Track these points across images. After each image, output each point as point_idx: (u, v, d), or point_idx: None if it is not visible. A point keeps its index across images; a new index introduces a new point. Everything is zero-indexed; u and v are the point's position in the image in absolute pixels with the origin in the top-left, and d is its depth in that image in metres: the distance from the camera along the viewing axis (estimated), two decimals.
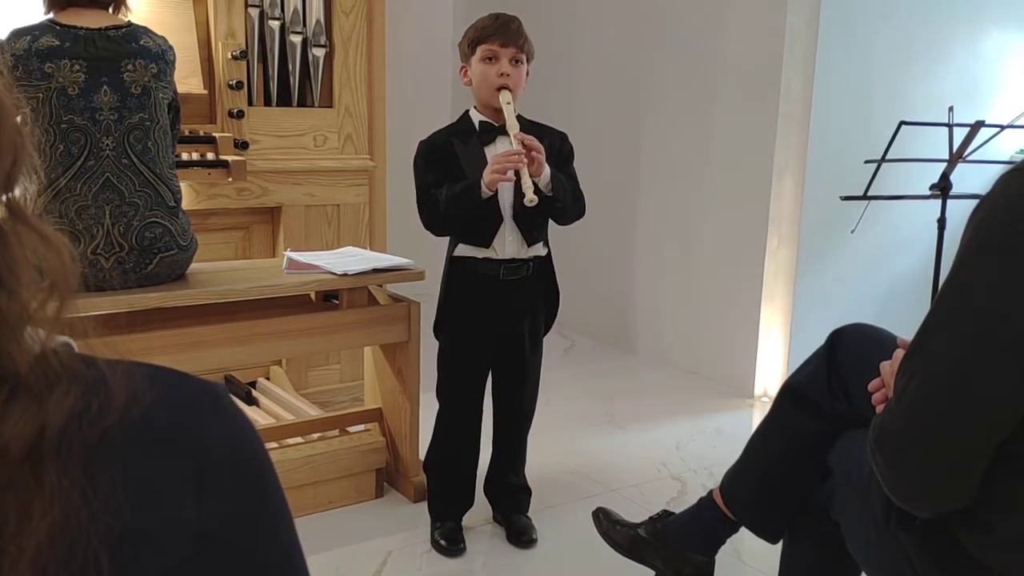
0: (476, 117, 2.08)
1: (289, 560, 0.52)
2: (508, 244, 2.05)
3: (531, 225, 2.05)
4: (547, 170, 1.98)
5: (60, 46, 1.94)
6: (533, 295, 2.13)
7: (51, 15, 2.01)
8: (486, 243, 2.04)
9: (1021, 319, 0.94)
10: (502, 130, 2.01)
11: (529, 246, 2.07)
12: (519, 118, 2.02)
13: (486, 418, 2.22)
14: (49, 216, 1.93)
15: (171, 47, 2.13)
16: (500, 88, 1.99)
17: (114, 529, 0.43)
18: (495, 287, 2.06)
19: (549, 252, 2.15)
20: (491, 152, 2.03)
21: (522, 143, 1.93)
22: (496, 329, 2.11)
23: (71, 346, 0.50)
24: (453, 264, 2.10)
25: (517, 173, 1.91)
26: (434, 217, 2.03)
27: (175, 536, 0.46)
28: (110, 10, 2.05)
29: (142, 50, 2.03)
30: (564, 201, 2.02)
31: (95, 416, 0.45)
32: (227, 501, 0.48)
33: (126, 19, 2.08)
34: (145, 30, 2.08)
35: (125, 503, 0.44)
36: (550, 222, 2.12)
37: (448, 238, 2.12)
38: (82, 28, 1.97)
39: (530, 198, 1.87)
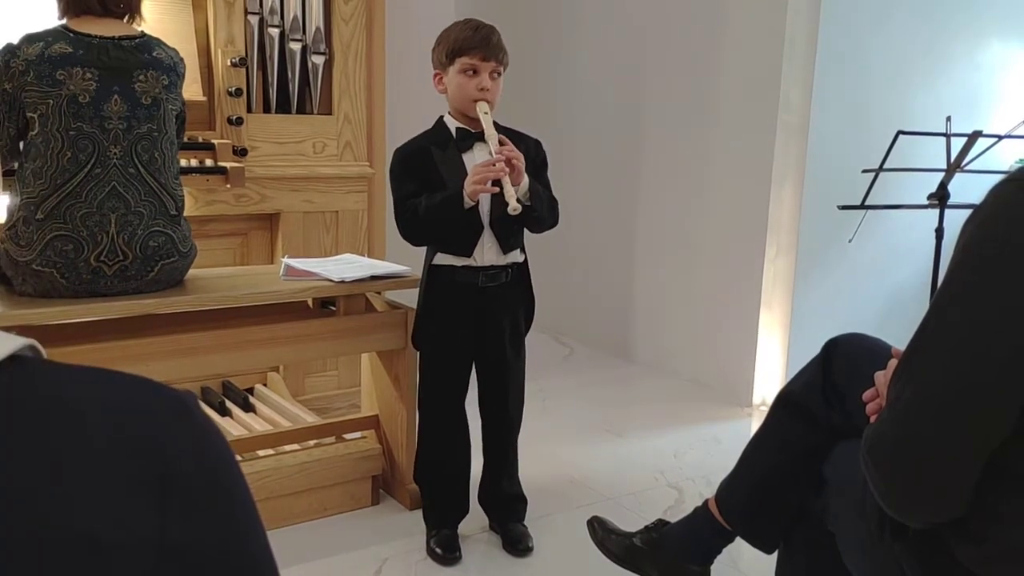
0: (452, 124, 2.08)
1: (259, 569, 0.51)
2: (487, 252, 2.05)
3: (508, 233, 2.06)
4: (526, 179, 1.98)
5: (73, 53, 1.94)
6: (512, 301, 2.12)
7: (64, 21, 2.00)
8: (467, 252, 2.04)
9: (1013, 329, 0.94)
10: (480, 136, 2.01)
11: (505, 253, 2.07)
12: (495, 125, 2.02)
13: (476, 427, 2.22)
14: (53, 221, 1.94)
15: (182, 59, 2.14)
16: (478, 100, 1.99)
17: (72, 539, 0.43)
18: (474, 295, 2.06)
19: (526, 259, 2.15)
20: (469, 158, 2.03)
21: (502, 153, 1.92)
22: (476, 336, 2.11)
23: (38, 350, 0.50)
24: (432, 273, 2.10)
25: (499, 183, 1.91)
26: (413, 227, 2.03)
27: (136, 548, 0.45)
28: (125, 19, 2.05)
29: (155, 61, 2.04)
30: (540, 210, 2.02)
31: (52, 416, 0.45)
32: (192, 514, 0.47)
33: (139, 29, 2.08)
34: (158, 42, 2.08)
35: (84, 509, 0.44)
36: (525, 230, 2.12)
37: (425, 248, 2.11)
38: (96, 36, 1.97)
39: (514, 207, 1.87)
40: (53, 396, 0.47)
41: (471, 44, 1.99)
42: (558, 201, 2.12)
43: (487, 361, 2.14)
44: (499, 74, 2.03)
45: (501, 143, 1.96)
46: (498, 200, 1.94)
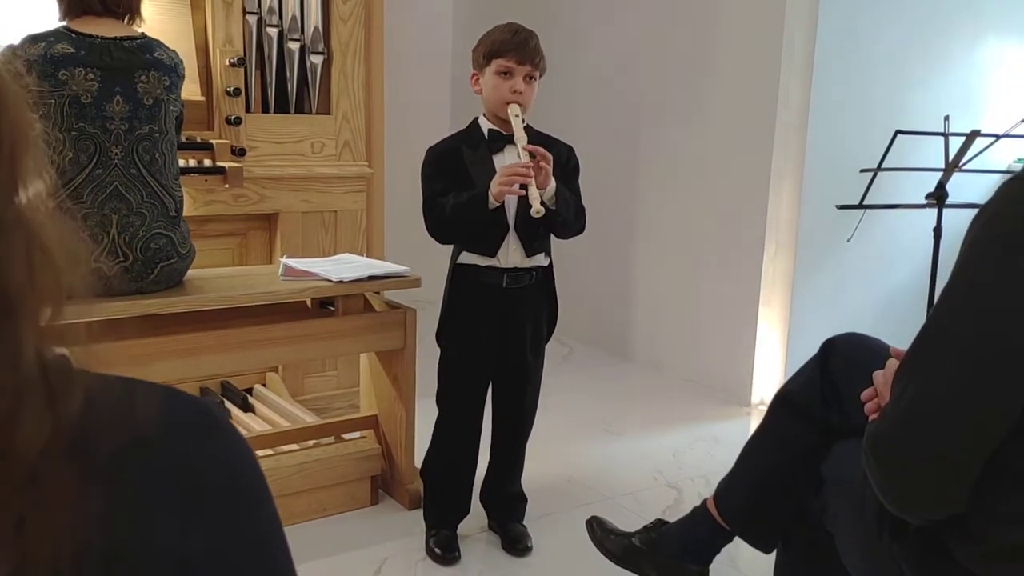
0: (485, 125, 2.09)
1: None
2: (511, 253, 2.06)
3: (532, 236, 2.06)
4: (552, 183, 1.98)
5: (75, 54, 1.94)
6: (535, 304, 2.13)
7: (66, 22, 2.00)
8: (491, 252, 2.05)
9: (1017, 329, 0.94)
10: (511, 139, 2.02)
11: (529, 256, 2.07)
12: (528, 129, 2.03)
13: (484, 426, 2.22)
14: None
15: (182, 61, 2.14)
16: (511, 103, 2.00)
17: (106, 546, 0.43)
18: (498, 295, 2.07)
19: (551, 263, 2.16)
20: (499, 160, 2.04)
21: (530, 155, 1.93)
22: (498, 337, 2.11)
23: (67, 359, 0.50)
24: (456, 272, 2.10)
25: (524, 186, 1.91)
26: (440, 225, 2.04)
27: (160, 558, 0.45)
28: (125, 20, 2.05)
29: (156, 62, 2.04)
30: (566, 216, 2.03)
31: (108, 431, 0.45)
32: (214, 525, 0.47)
33: (139, 30, 2.08)
34: (158, 43, 2.09)
35: (115, 522, 0.43)
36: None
37: (452, 246, 2.12)
38: (97, 37, 1.97)
39: (536, 209, 1.87)
40: (98, 410, 0.46)
41: (508, 47, 2.00)
42: (585, 208, 2.12)
43: (507, 362, 2.14)
44: (534, 78, 2.03)
45: (529, 147, 1.96)
46: (524, 202, 1.95)
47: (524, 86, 2.01)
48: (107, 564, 0.43)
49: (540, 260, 2.11)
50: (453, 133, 2.15)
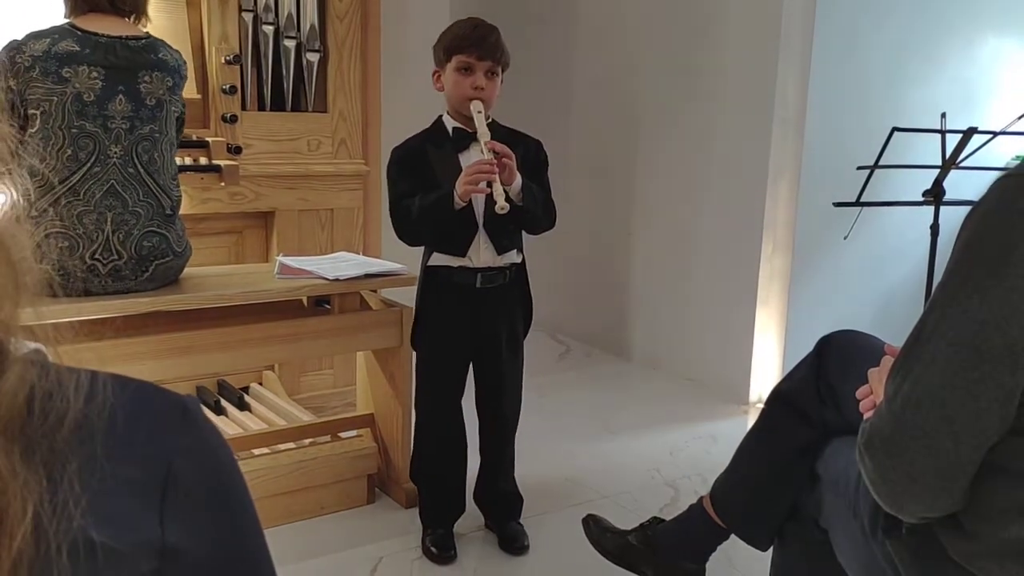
0: (449, 123, 2.07)
1: (257, 573, 0.51)
2: (482, 252, 2.04)
3: (502, 233, 2.04)
4: (518, 179, 1.96)
5: (80, 52, 1.95)
6: (510, 303, 2.12)
7: (71, 19, 2.01)
8: (461, 252, 2.03)
9: (1013, 326, 0.94)
10: (476, 136, 2.00)
11: (500, 254, 2.06)
12: (494, 124, 2.01)
13: (473, 426, 2.21)
14: (49, 218, 1.93)
15: (185, 62, 2.15)
16: (472, 99, 1.98)
17: (74, 535, 0.43)
18: (472, 296, 2.06)
19: (524, 259, 2.14)
20: (465, 158, 2.02)
21: (493, 151, 1.91)
22: (474, 337, 2.10)
23: (43, 353, 0.50)
24: (428, 274, 2.09)
25: (489, 183, 1.90)
26: (408, 227, 2.02)
27: (137, 549, 0.45)
28: (131, 19, 2.05)
29: (160, 63, 2.04)
30: (534, 211, 2.01)
31: (54, 417, 0.45)
32: (192, 516, 0.48)
33: (145, 29, 2.08)
34: (163, 43, 2.09)
35: (85, 511, 0.43)
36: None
37: (422, 248, 2.11)
38: (103, 35, 1.98)
39: (501, 205, 1.86)
40: (58, 400, 0.47)
41: (467, 42, 1.99)
42: (555, 203, 2.10)
43: (484, 362, 2.14)
44: (496, 74, 2.02)
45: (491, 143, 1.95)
46: (492, 200, 1.94)
47: (485, 82, 1.99)
48: (75, 553, 0.43)
49: (512, 257, 2.09)
50: (417, 132, 2.12)
